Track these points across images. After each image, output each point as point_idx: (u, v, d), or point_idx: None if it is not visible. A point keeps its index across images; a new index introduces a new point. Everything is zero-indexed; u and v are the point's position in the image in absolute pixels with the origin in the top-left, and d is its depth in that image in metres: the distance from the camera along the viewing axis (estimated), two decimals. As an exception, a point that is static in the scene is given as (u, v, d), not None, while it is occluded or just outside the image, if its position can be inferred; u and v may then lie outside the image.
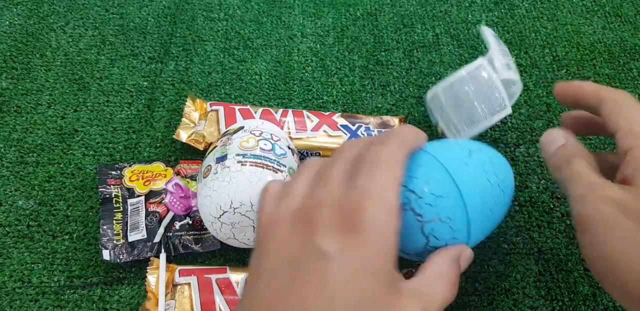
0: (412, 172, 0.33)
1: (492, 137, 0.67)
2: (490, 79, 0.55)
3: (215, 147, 0.54)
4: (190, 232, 0.54)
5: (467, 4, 0.83)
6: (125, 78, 0.71)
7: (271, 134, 0.55)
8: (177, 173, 0.59)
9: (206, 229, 0.54)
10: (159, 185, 0.57)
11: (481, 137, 0.66)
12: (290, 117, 0.63)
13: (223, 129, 0.61)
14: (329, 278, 0.23)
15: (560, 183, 0.33)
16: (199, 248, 0.54)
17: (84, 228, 0.57)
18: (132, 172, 0.58)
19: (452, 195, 0.33)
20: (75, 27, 0.76)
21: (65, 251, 0.55)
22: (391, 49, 0.76)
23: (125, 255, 0.53)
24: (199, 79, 0.71)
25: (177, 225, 0.54)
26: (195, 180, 0.58)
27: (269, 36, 0.77)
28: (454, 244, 0.35)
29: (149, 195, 0.56)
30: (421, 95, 0.71)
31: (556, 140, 0.34)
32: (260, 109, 0.64)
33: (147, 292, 0.50)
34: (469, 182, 0.34)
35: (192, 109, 0.65)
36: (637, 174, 0.28)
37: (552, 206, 0.60)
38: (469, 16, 0.81)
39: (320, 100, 0.70)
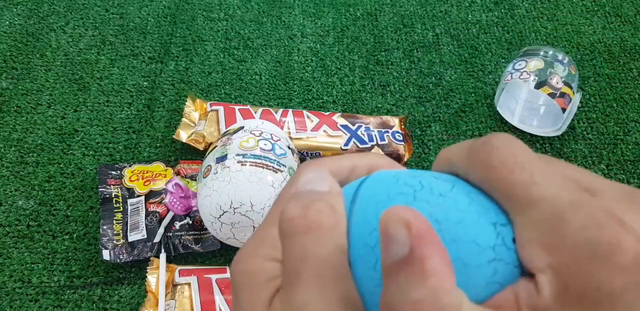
0: None
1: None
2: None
3: (215, 147, 0.54)
4: (190, 232, 0.54)
5: (467, 4, 0.83)
6: (125, 79, 0.71)
7: (271, 134, 0.55)
8: (177, 173, 0.59)
9: (206, 229, 0.54)
10: (159, 185, 0.57)
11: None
12: (290, 117, 0.63)
13: (223, 129, 0.61)
14: None
15: None
16: (199, 248, 0.54)
17: (84, 228, 0.57)
18: (132, 172, 0.58)
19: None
20: (75, 27, 0.76)
21: (65, 251, 0.55)
22: (391, 49, 0.76)
23: (125, 255, 0.53)
24: (199, 79, 0.71)
25: (177, 225, 0.54)
26: (195, 180, 0.58)
27: (269, 36, 0.77)
28: None
29: (149, 195, 0.56)
30: (421, 95, 0.71)
31: (396, 238, 0.14)
32: (260, 109, 0.64)
33: (147, 292, 0.50)
34: (374, 199, 0.18)
35: (192, 109, 0.64)
36: None
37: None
38: (469, 16, 0.81)
39: (320, 100, 0.70)
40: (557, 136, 0.67)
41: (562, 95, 0.64)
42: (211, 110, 0.63)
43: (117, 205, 0.56)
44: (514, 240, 0.16)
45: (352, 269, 0.17)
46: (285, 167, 0.52)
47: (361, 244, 0.17)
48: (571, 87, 0.66)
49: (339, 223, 0.17)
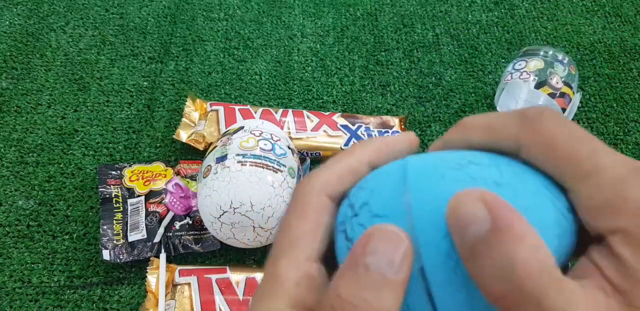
0: (366, 181, 0.21)
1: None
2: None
3: (215, 147, 0.54)
4: (190, 232, 0.54)
5: (467, 4, 0.83)
6: (125, 79, 0.71)
7: (271, 134, 0.55)
8: (177, 173, 0.59)
9: (206, 229, 0.54)
10: (159, 185, 0.57)
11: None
12: (290, 117, 0.63)
13: (223, 129, 0.61)
14: None
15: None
16: (199, 248, 0.54)
17: (84, 228, 0.57)
18: (132, 172, 0.58)
19: (396, 215, 0.19)
20: (75, 27, 0.76)
21: (65, 251, 0.55)
22: (391, 49, 0.76)
23: (125, 255, 0.53)
24: (199, 79, 0.71)
25: (177, 225, 0.54)
26: (195, 180, 0.58)
27: (269, 36, 0.77)
28: None
29: (149, 195, 0.56)
30: (421, 95, 0.71)
31: (473, 215, 0.15)
32: (260, 109, 0.64)
33: (147, 292, 0.50)
34: (431, 201, 0.18)
35: (192, 109, 0.64)
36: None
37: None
38: (469, 16, 0.81)
39: (320, 100, 0.70)
40: (557, 136, 0.67)
41: (562, 95, 0.64)
42: (211, 110, 0.63)
43: (117, 205, 0.56)
44: (568, 210, 0.17)
45: (426, 283, 0.17)
46: (285, 167, 0.52)
47: (435, 254, 0.17)
48: (571, 87, 0.66)
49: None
